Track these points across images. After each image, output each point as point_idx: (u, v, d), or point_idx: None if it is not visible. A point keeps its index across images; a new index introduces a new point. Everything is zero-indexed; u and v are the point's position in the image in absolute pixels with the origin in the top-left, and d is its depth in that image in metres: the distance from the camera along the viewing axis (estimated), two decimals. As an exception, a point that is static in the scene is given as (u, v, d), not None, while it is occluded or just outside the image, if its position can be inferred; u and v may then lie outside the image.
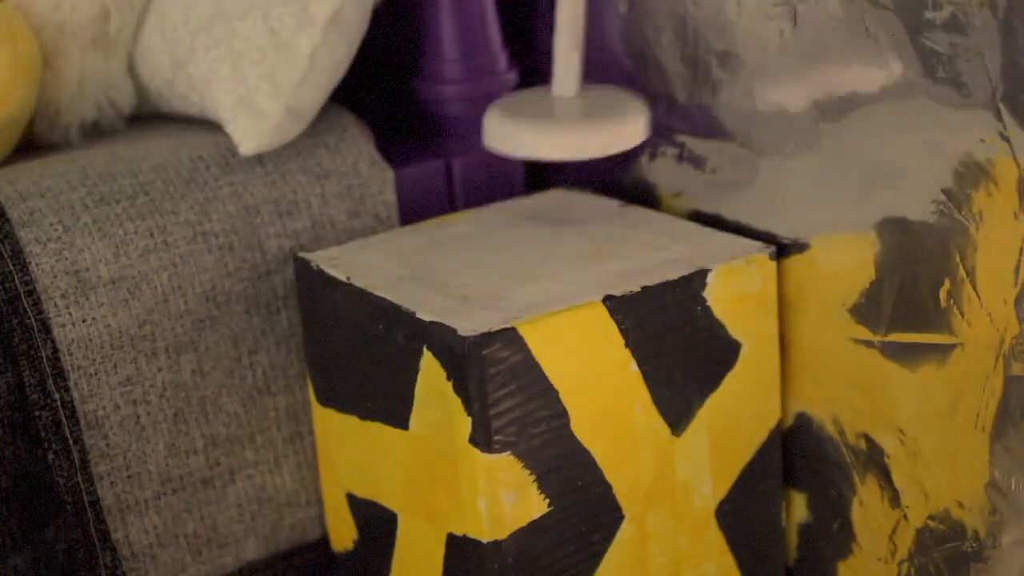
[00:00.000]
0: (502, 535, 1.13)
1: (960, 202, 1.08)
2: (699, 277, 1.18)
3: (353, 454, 1.25)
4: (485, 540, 1.13)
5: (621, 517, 1.19)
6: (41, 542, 1.19)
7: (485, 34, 1.43)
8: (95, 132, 1.38)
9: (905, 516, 1.19)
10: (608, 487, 1.17)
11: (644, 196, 1.37)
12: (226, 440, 1.28)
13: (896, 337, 1.16)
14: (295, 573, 1.33)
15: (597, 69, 1.38)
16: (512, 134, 1.19)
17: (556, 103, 1.22)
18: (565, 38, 1.21)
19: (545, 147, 1.16)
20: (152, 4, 1.37)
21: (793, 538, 1.31)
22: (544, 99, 1.23)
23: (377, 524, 1.25)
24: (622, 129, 1.18)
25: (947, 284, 1.10)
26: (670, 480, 1.20)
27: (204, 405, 1.26)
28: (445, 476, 1.14)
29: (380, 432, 1.21)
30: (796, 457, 1.28)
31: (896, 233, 1.13)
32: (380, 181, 1.34)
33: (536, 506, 1.14)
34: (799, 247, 1.22)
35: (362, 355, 1.20)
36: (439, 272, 1.21)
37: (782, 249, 1.24)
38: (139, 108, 1.42)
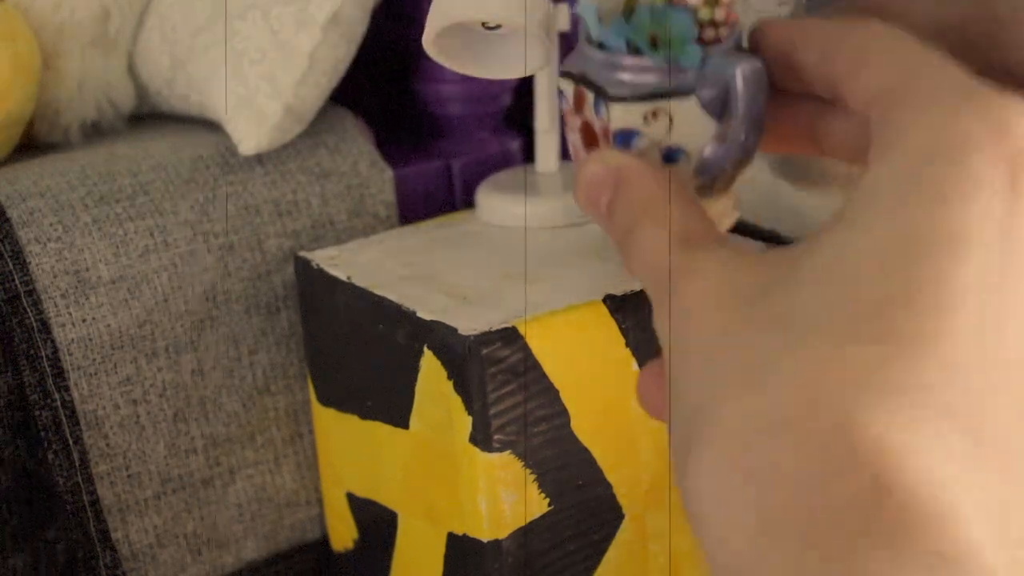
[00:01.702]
0: (502, 534, 1.13)
1: (960, 201, 1.08)
2: (699, 276, 1.18)
3: (353, 454, 1.25)
4: (485, 539, 1.13)
5: (621, 516, 1.19)
6: (41, 542, 1.19)
7: (485, 34, 1.43)
8: (95, 132, 1.38)
9: (905, 515, 1.19)
10: (608, 486, 1.17)
11: (644, 196, 1.37)
12: (226, 440, 1.28)
13: (896, 336, 1.15)
14: (295, 573, 1.33)
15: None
16: (503, 207, 1.30)
17: (539, 178, 1.35)
18: (542, 120, 1.32)
19: (533, 217, 1.30)
20: (152, 4, 1.37)
21: (793, 538, 1.31)
22: (529, 175, 1.36)
23: (377, 523, 1.25)
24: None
25: (947, 283, 1.10)
26: (670, 479, 1.20)
27: (204, 405, 1.26)
28: (445, 475, 1.14)
29: (380, 431, 1.20)
30: (796, 457, 1.28)
31: (896, 232, 1.13)
32: (380, 181, 1.34)
33: (536, 505, 1.14)
34: (799, 247, 1.22)
35: (362, 354, 1.20)
36: (440, 272, 1.21)
37: (782, 249, 1.23)
38: (139, 108, 1.42)
